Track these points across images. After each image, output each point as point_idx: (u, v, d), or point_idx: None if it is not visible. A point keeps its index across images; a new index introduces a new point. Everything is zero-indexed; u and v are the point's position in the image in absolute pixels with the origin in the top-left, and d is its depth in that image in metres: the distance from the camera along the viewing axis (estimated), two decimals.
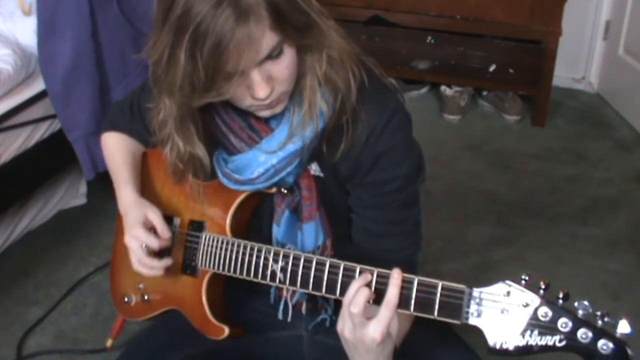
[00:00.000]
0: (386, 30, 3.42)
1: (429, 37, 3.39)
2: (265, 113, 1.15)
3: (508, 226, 2.53)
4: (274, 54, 1.05)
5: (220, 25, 0.98)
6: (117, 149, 1.47)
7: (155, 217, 1.31)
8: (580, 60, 3.65)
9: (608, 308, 1.97)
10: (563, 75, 3.56)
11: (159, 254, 1.31)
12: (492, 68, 3.35)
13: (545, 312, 0.95)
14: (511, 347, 0.96)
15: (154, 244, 1.28)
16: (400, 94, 1.22)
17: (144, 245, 1.28)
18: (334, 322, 1.33)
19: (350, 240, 1.31)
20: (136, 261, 1.30)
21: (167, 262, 1.31)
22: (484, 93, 3.49)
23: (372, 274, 1.08)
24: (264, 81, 1.06)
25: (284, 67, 1.07)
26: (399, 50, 3.43)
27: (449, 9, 3.31)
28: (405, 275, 1.06)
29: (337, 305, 1.30)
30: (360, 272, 1.10)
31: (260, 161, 1.18)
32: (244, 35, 0.99)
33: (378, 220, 1.25)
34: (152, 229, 1.30)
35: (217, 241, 1.26)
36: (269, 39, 1.02)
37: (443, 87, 3.41)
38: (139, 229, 1.29)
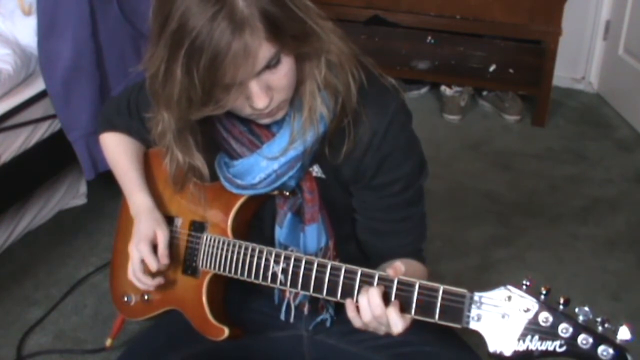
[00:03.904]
0: (386, 30, 3.42)
1: (429, 37, 3.39)
2: (265, 121, 1.15)
3: (508, 226, 2.53)
4: (272, 64, 1.04)
5: (216, 39, 0.97)
6: (120, 152, 1.46)
7: (162, 239, 1.32)
8: (580, 60, 3.65)
9: (608, 308, 1.97)
10: (563, 75, 3.56)
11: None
12: (492, 68, 3.35)
13: (545, 318, 0.95)
14: (511, 352, 0.97)
15: (153, 266, 1.30)
16: (400, 93, 1.22)
17: (142, 260, 1.31)
18: (334, 322, 1.33)
19: (352, 240, 1.32)
20: (131, 272, 1.33)
21: (158, 281, 1.33)
22: (484, 93, 3.48)
23: (374, 277, 1.08)
24: (262, 91, 1.06)
25: (282, 76, 1.07)
26: (399, 50, 3.43)
27: (449, 9, 3.31)
28: (407, 278, 1.06)
29: (338, 305, 1.31)
30: (361, 274, 1.09)
31: (262, 166, 1.18)
32: (240, 48, 0.99)
33: (384, 220, 1.26)
34: (155, 247, 1.32)
35: (218, 242, 1.26)
36: (265, 50, 1.02)
37: (443, 87, 3.41)
38: (145, 245, 1.30)
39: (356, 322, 1.10)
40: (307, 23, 1.06)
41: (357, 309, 1.08)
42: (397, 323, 1.04)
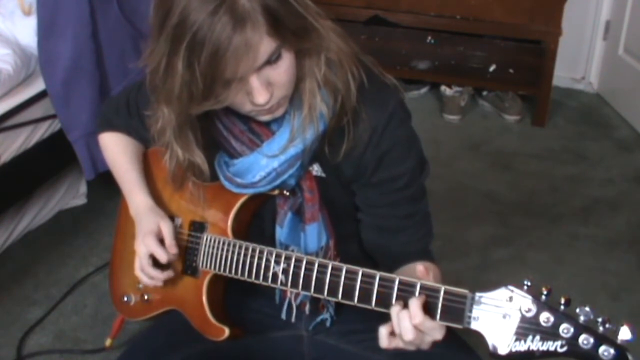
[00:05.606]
0: (386, 30, 3.42)
1: (429, 37, 3.39)
2: (265, 118, 1.15)
3: (508, 226, 2.54)
4: (272, 59, 1.05)
5: (218, 33, 0.98)
6: (119, 152, 1.46)
7: (167, 230, 1.31)
8: (580, 60, 3.65)
9: (608, 308, 1.97)
10: (563, 75, 3.56)
11: (161, 264, 1.32)
12: (492, 68, 3.35)
13: (547, 318, 0.95)
14: (512, 352, 0.97)
15: (162, 257, 1.29)
16: (400, 91, 1.23)
17: (150, 255, 1.30)
18: (334, 322, 1.33)
19: (353, 240, 1.32)
20: (139, 267, 1.32)
21: (168, 274, 1.32)
22: (484, 93, 3.48)
23: (375, 278, 1.08)
24: (262, 87, 1.06)
25: (282, 71, 1.07)
26: (399, 50, 3.43)
27: (449, 9, 3.31)
28: (408, 278, 1.06)
29: (338, 305, 1.31)
30: (362, 274, 1.09)
31: (262, 165, 1.18)
32: (241, 42, 0.99)
33: (388, 216, 1.26)
34: (162, 241, 1.31)
35: (218, 242, 1.26)
36: (266, 45, 1.02)
37: (443, 87, 3.41)
38: (151, 238, 1.30)
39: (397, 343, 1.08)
40: (307, 19, 1.07)
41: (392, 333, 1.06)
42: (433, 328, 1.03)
